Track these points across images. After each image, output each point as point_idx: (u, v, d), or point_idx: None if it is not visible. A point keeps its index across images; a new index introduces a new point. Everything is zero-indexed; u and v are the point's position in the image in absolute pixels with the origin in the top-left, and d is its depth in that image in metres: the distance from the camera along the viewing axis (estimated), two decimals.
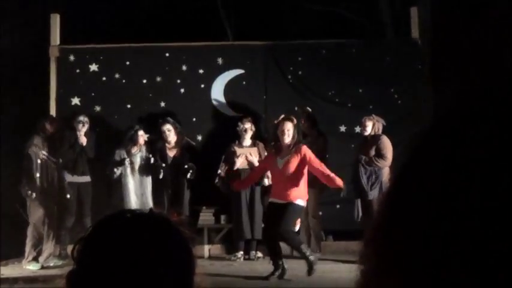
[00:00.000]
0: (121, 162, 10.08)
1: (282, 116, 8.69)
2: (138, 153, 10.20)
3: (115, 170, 10.08)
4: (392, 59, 11.20)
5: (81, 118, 10.25)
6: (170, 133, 10.27)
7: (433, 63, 11.63)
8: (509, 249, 0.61)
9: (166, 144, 10.31)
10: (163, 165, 10.10)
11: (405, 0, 12.49)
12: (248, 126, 10.19)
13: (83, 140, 10.13)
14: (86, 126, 10.25)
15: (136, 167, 10.16)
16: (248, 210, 9.88)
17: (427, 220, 0.65)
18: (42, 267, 9.28)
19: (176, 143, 10.33)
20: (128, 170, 10.13)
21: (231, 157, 10.06)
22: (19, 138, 9.85)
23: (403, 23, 12.44)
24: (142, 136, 10.21)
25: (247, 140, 10.19)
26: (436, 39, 11.71)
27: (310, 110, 10.19)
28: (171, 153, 10.31)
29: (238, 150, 10.08)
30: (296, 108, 10.13)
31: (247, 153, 10.01)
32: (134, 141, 10.18)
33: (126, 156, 10.10)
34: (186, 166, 10.05)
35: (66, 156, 10.03)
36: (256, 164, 9.82)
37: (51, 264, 9.48)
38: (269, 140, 9.44)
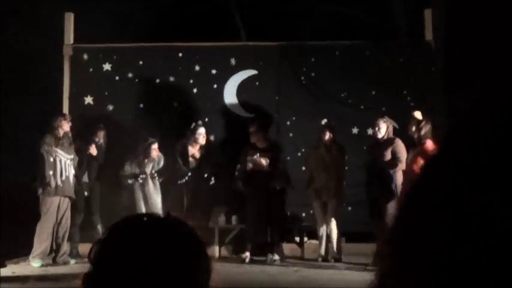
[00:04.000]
0: (135, 177, 10.11)
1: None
2: (150, 164, 10.20)
3: (128, 181, 10.15)
4: (406, 61, 11.17)
5: (100, 132, 10.26)
6: (204, 137, 10.29)
7: (447, 66, 11.62)
8: None
9: (189, 148, 10.26)
10: (189, 173, 10.11)
11: (419, 2, 12.45)
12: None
13: (94, 152, 10.09)
14: (102, 134, 10.28)
15: (148, 177, 10.15)
16: (264, 212, 9.68)
17: (445, 223, 0.65)
18: (42, 266, 9.23)
19: (203, 146, 10.32)
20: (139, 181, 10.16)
21: (244, 159, 9.98)
22: (32, 136, 9.87)
23: (416, 25, 12.39)
24: (155, 150, 10.22)
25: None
26: (450, 41, 11.69)
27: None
28: (194, 156, 10.26)
29: (251, 154, 9.98)
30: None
31: (259, 159, 9.85)
32: (147, 154, 10.17)
33: (137, 168, 10.12)
34: (205, 175, 10.09)
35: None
36: (266, 166, 9.81)
37: (62, 263, 9.47)
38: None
